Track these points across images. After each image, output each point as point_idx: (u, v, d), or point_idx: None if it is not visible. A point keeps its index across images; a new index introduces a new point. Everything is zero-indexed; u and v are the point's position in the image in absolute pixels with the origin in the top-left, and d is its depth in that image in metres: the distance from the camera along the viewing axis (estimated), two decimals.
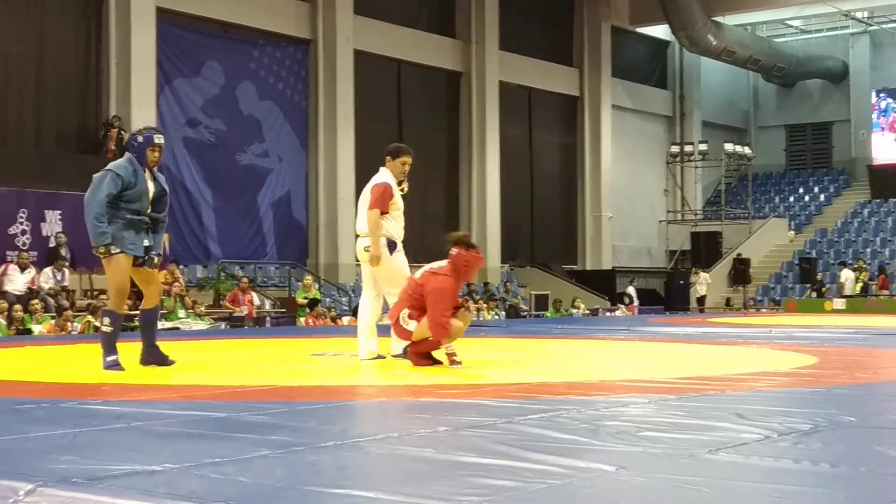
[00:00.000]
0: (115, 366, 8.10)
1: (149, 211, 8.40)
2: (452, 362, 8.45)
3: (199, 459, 4.03)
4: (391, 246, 9.20)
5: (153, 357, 8.50)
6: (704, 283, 34.25)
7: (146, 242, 8.36)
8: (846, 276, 33.70)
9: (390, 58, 30.17)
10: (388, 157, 9.43)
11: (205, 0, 25.42)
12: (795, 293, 35.44)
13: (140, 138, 8.50)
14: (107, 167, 8.37)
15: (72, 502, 3.35)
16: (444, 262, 8.83)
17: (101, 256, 8.22)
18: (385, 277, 9.21)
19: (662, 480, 3.71)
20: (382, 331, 9.38)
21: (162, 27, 24.18)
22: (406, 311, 8.77)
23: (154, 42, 23.88)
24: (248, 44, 26.90)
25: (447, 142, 32.32)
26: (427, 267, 8.90)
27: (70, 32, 23.11)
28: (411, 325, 8.75)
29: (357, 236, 9.47)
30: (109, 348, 8.18)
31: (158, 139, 8.54)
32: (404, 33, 30.40)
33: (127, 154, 8.50)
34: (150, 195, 8.41)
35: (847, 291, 33.10)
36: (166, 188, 8.68)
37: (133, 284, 8.59)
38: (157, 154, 8.47)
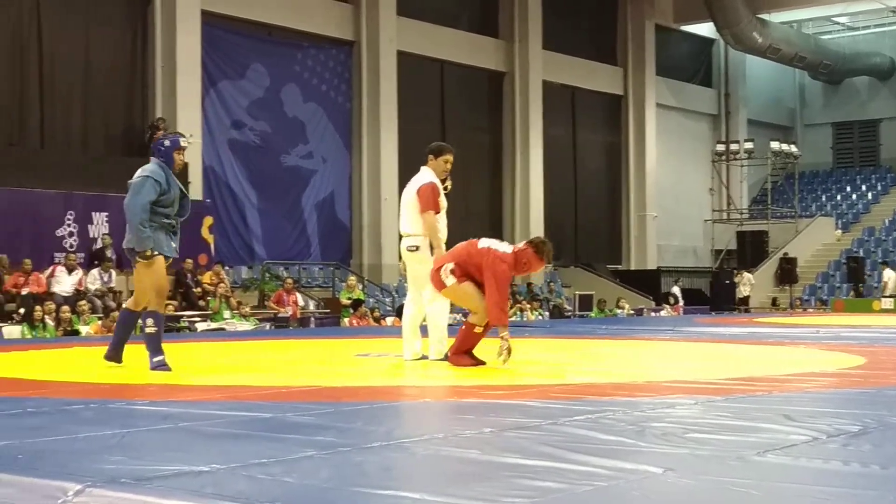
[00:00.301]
0: (163, 366, 8.19)
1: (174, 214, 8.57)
2: (507, 351, 8.46)
3: (245, 460, 4.04)
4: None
5: (118, 355, 8.58)
6: (748, 283, 33.98)
7: (173, 244, 8.55)
8: (888, 275, 33.37)
9: (433, 58, 30.21)
10: (431, 156, 9.36)
11: (249, 3, 25.57)
12: (842, 293, 35.12)
13: (167, 142, 8.61)
14: (143, 173, 8.41)
15: (120, 502, 3.37)
16: (507, 249, 8.84)
17: (144, 260, 8.31)
18: (425, 277, 9.12)
19: (710, 482, 3.68)
20: (426, 331, 9.38)
21: (207, 30, 24.35)
22: (451, 266, 8.77)
23: (199, 45, 24.05)
24: (292, 46, 27.02)
25: (490, 142, 32.32)
26: (491, 243, 8.89)
27: (116, 35, 23.32)
28: (449, 280, 8.76)
29: (401, 236, 9.39)
30: (156, 349, 8.28)
31: (184, 142, 8.69)
32: (447, 33, 30.43)
33: (154, 159, 8.54)
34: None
35: (889, 291, 32.74)
36: (187, 192, 8.83)
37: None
38: (182, 157, 8.64)
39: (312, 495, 3.45)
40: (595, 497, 3.44)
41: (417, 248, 9.14)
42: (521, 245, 8.89)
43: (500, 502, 3.29)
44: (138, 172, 8.45)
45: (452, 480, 3.88)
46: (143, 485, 3.55)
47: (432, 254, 9.14)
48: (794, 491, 3.51)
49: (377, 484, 3.64)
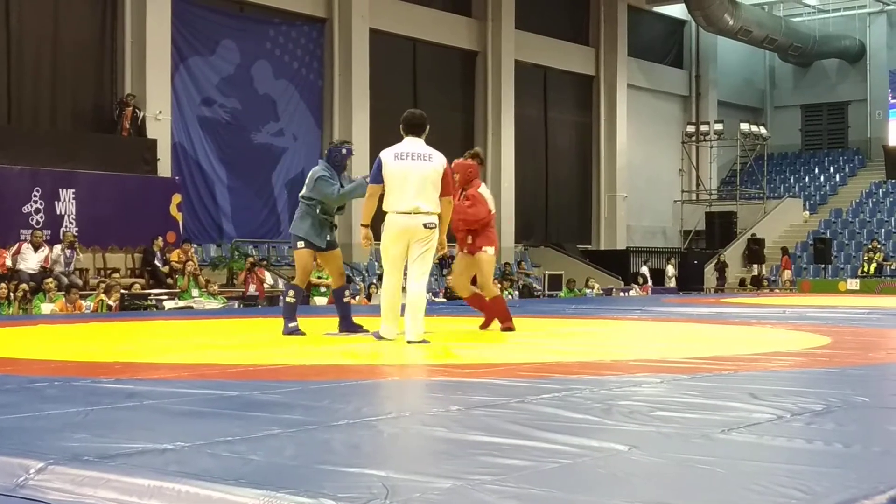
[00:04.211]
0: (296, 331, 9.66)
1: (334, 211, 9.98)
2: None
3: (210, 438, 4.03)
4: None
5: (345, 327, 9.94)
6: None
7: (328, 238, 9.96)
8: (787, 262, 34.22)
9: (406, 37, 30.13)
10: (423, 129, 9.05)
11: None
12: (809, 273, 35.35)
13: (343, 150, 10.02)
14: (315, 175, 9.88)
15: (83, 480, 3.35)
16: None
17: (363, 197, 9.46)
18: (432, 257, 9.05)
19: (675, 460, 3.70)
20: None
21: (177, 5, 24.16)
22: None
23: (169, 20, 23.87)
24: (264, 22, 26.87)
25: (462, 121, 32.28)
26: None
27: (85, 11, 23.13)
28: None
29: (413, 213, 8.80)
30: (290, 316, 9.79)
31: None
32: (420, 12, 30.33)
33: (322, 161, 10.05)
34: None
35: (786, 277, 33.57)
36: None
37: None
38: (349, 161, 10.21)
39: (278, 473, 3.44)
40: (560, 474, 3.45)
41: (436, 226, 8.88)
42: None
43: (467, 479, 3.29)
44: (311, 175, 9.95)
45: (419, 458, 3.89)
46: (107, 462, 3.53)
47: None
48: (757, 468, 3.53)
49: (344, 462, 3.63)
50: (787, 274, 34.09)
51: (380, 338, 9.00)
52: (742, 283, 34.12)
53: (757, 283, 33.40)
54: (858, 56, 44.19)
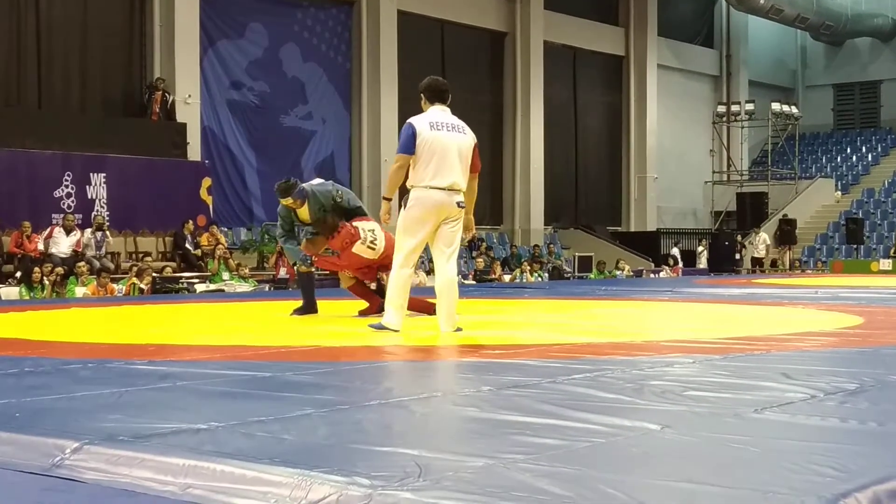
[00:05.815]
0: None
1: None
2: None
3: (244, 418, 4.04)
4: None
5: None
6: (763, 243, 33.83)
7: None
8: (762, 238, 33.58)
9: (434, 18, 30.06)
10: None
11: None
12: (841, 254, 35.13)
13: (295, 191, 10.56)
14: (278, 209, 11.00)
15: (118, 460, 3.37)
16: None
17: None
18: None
19: (708, 439, 3.69)
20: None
21: None
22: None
23: (198, 4, 23.92)
24: (292, 5, 26.89)
25: (491, 102, 32.21)
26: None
27: None
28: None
29: (450, 189, 8.10)
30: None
31: (288, 199, 10.63)
32: None
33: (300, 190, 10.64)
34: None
35: (759, 254, 33.08)
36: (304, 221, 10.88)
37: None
38: (290, 203, 10.71)
39: (311, 452, 3.45)
40: (593, 453, 3.45)
41: (465, 205, 8.16)
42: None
43: (499, 458, 3.29)
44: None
45: (451, 437, 3.90)
46: (141, 442, 3.55)
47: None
48: (791, 447, 3.52)
49: (376, 441, 3.64)
50: (789, 255, 33.90)
51: (381, 328, 8.17)
52: (773, 263, 33.94)
53: (759, 264, 33.20)
54: (891, 34, 43.79)
